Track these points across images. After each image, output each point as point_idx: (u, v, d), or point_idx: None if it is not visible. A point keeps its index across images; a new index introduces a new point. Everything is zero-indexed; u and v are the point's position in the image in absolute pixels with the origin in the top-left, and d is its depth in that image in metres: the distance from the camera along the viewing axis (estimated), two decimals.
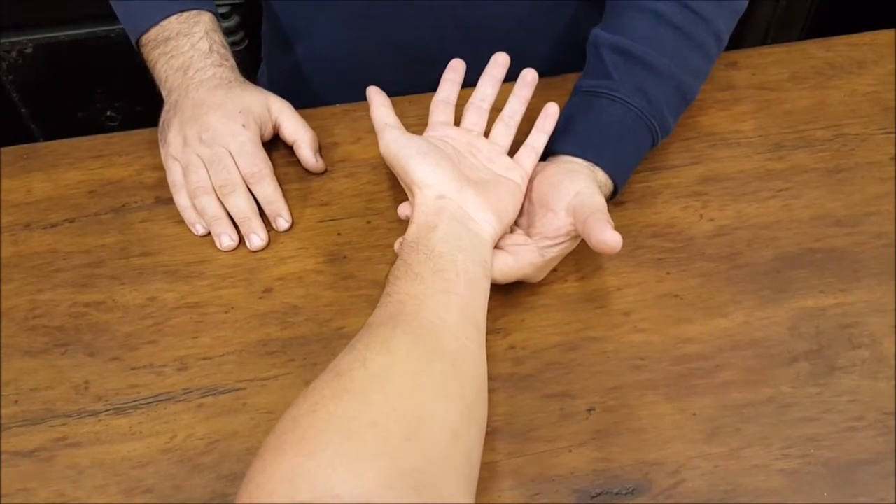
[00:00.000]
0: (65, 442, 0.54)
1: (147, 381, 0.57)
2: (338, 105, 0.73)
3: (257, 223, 0.64)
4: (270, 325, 0.60)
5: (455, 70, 0.65)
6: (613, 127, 0.63)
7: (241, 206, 0.64)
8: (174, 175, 0.66)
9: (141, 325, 0.60)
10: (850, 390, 0.56)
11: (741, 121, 0.72)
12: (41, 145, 0.71)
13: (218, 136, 0.65)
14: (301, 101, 0.72)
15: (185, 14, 0.70)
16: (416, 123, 0.64)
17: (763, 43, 1.43)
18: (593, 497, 0.52)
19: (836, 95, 0.74)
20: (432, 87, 0.66)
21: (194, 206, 0.65)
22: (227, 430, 0.55)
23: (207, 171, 0.65)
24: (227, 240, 0.64)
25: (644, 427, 0.54)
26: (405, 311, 0.50)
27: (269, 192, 0.65)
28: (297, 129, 0.69)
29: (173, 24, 0.69)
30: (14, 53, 1.24)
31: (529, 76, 0.65)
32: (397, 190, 0.67)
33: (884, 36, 0.79)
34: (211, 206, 0.65)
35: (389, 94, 0.64)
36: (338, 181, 0.68)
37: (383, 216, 0.66)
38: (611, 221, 0.55)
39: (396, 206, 0.65)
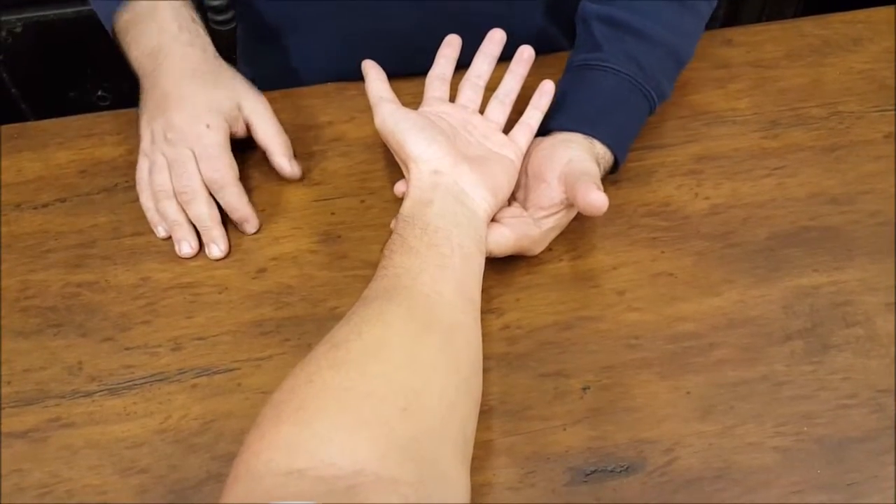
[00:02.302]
0: (58, 423, 0.54)
1: (141, 361, 0.57)
2: (330, 83, 0.73)
3: (218, 233, 0.62)
4: (264, 305, 0.59)
5: (451, 45, 0.65)
6: (607, 98, 0.62)
7: (201, 215, 0.62)
8: (141, 172, 0.64)
9: (134, 306, 0.59)
10: (843, 368, 0.56)
11: (736, 99, 0.71)
12: (31, 125, 0.70)
13: (182, 137, 0.61)
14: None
15: None
16: (411, 102, 0.64)
17: (758, 20, 1.42)
18: (588, 475, 0.52)
19: (832, 73, 0.73)
20: (423, 72, 0.65)
21: (157, 209, 0.63)
22: (221, 410, 0.55)
23: (170, 174, 0.62)
24: (185, 247, 0.62)
25: (638, 405, 0.55)
26: (401, 285, 0.50)
27: (233, 200, 0.62)
28: (268, 134, 0.65)
29: (141, 5, 0.66)
30: (4, 33, 1.23)
31: (526, 53, 0.64)
32: (391, 169, 0.66)
33: (879, 13, 0.78)
34: (171, 210, 0.62)
35: None
36: (331, 160, 0.68)
37: (377, 195, 0.65)
38: (599, 184, 0.55)
39: (390, 186, 0.65)
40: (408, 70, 0.68)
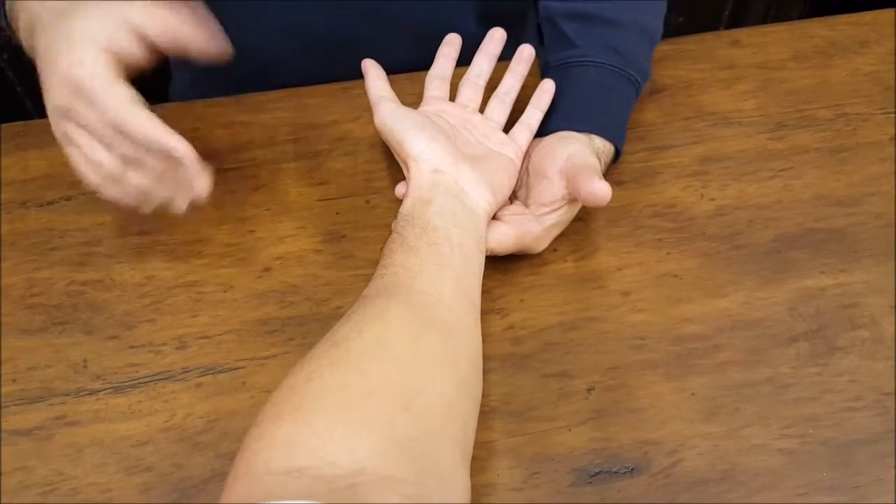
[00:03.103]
0: (63, 420, 0.54)
1: (146, 359, 0.57)
2: (336, 83, 0.73)
3: (168, 189, 0.53)
4: (269, 304, 0.59)
5: (451, 44, 0.65)
6: (594, 91, 0.63)
7: (138, 181, 0.52)
8: (79, 168, 0.53)
9: (139, 304, 0.59)
10: (849, 370, 0.56)
11: (742, 100, 0.71)
12: (37, 122, 0.70)
13: (58, 99, 0.50)
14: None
15: None
16: (413, 101, 0.64)
17: (763, 21, 1.42)
18: (592, 476, 0.52)
19: (838, 75, 0.73)
20: (349, 76, 0.65)
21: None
22: (226, 409, 0.55)
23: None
24: (178, 203, 0.54)
25: (643, 407, 0.54)
26: (400, 284, 0.50)
27: (140, 129, 0.49)
28: (169, 26, 0.51)
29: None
30: (9, 31, 1.23)
31: (526, 52, 0.65)
32: (396, 168, 0.66)
33: (885, 15, 0.78)
34: (134, 183, 0.52)
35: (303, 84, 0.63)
36: (336, 160, 0.68)
37: (382, 195, 0.65)
38: (601, 176, 0.55)
39: (395, 185, 0.64)
40: (329, 74, 0.67)
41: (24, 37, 0.55)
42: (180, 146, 0.51)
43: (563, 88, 0.64)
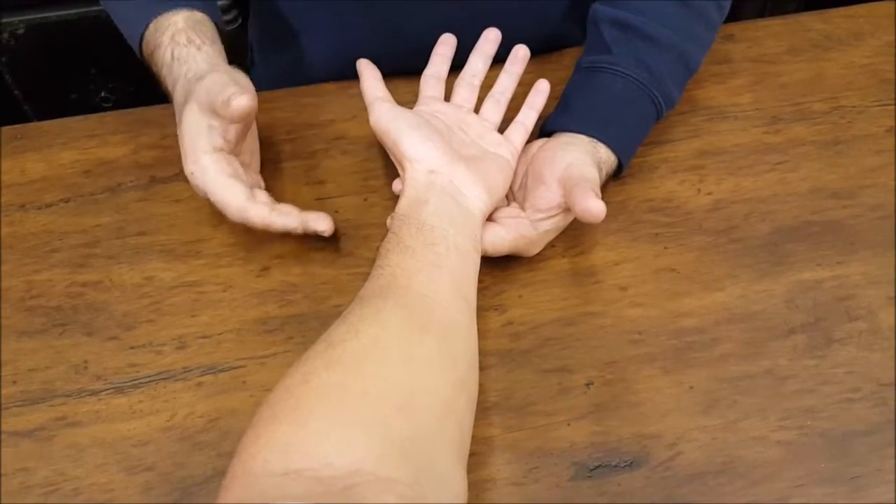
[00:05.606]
0: (65, 421, 0.54)
1: (146, 359, 0.57)
2: (332, 82, 0.73)
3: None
4: (269, 303, 0.60)
5: (446, 44, 0.65)
6: (614, 101, 0.62)
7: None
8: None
9: (139, 305, 0.60)
10: (846, 362, 0.56)
11: (738, 94, 0.71)
12: (35, 125, 0.71)
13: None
14: None
15: (155, 22, 0.62)
16: (409, 101, 0.64)
17: (760, 16, 1.42)
18: (592, 470, 0.52)
19: (834, 68, 0.73)
20: None
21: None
22: (226, 408, 0.55)
23: None
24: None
25: (642, 400, 0.55)
26: (397, 284, 0.50)
27: (257, 223, 0.57)
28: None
29: (151, 34, 0.62)
30: (6, 34, 1.23)
31: (521, 52, 0.64)
32: (393, 167, 0.66)
33: (880, 7, 0.78)
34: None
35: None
36: (334, 159, 0.68)
37: (380, 193, 0.65)
38: (597, 191, 0.55)
39: (393, 183, 0.65)
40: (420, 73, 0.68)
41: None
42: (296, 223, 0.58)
43: (585, 91, 0.63)
